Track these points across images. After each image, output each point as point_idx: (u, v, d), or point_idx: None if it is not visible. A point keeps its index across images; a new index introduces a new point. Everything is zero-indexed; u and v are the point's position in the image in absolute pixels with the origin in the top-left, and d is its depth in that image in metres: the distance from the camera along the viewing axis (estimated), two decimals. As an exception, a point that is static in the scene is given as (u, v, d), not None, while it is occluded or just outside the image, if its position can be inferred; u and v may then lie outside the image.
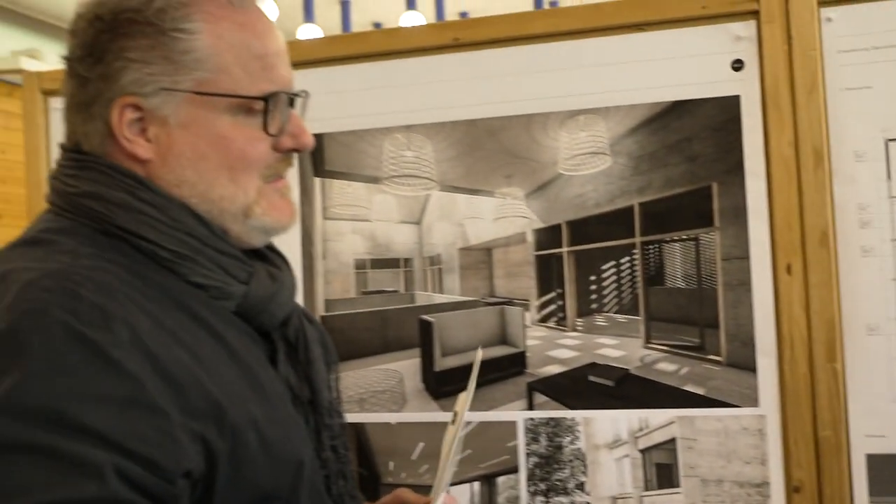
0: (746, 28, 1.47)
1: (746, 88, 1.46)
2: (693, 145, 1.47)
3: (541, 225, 1.55)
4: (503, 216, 1.57)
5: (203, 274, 0.91)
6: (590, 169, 1.53)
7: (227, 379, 0.85)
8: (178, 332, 0.83)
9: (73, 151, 0.95)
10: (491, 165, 1.57)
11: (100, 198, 0.90)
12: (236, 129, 0.94)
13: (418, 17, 5.95)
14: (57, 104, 1.81)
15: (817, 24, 1.45)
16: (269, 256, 1.03)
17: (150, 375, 0.77)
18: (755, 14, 1.46)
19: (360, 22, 6.66)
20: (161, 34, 0.91)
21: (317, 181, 1.64)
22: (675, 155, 1.48)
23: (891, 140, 1.43)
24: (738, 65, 1.47)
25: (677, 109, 1.48)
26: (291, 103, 0.98)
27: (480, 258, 1.59)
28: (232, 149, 0.94)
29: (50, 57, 5.12)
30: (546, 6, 6.53)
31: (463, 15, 6.92)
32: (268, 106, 0.94)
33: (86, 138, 0.94)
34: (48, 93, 1.81)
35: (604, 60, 1.53)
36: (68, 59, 0.96)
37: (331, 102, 1.64)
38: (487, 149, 1.57)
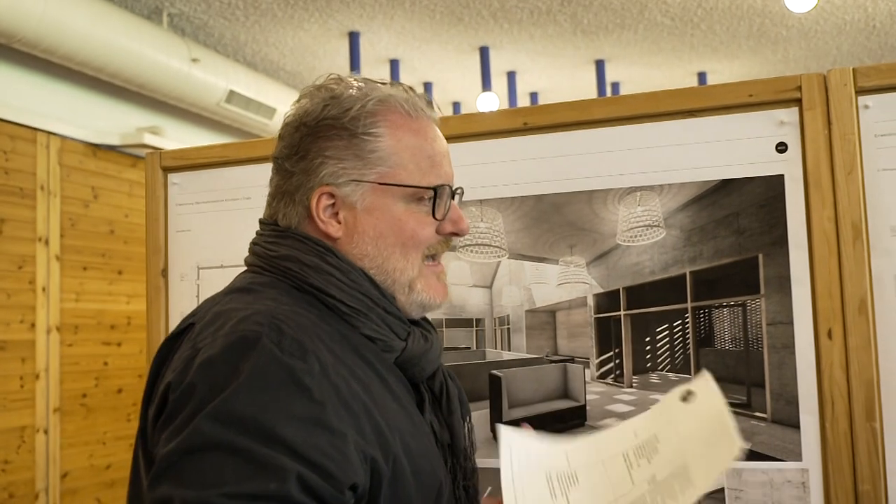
0: (789, 114, 1.59)
1: (790, 168, 1.58)
2: (740, 220, 1.59)
3: (600, 290, 1.68)
4: (566, 282, 1.70)
5: (373, 328, 1.09)
6: (645, 240, 1.65)
7: (390, 413, 1.02)
8: (354, 369, 1.01)
9: (273, 225, 1.16)
10: (556, 236, 1.71)
11: (296, 260, 1.10)
12: (409, 214, 1.13)
13: (493, 98, 6.17)
14: (175, 179, 2.03)
15: (855, 111, 1.55)
16: (422, 323, 1.21)
17: (332, 401, 0.93)
18: (798, 102, 1.58)
19: (441, 100, 6.94)
20: (353, 137, 1.12)
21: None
22: (724, 228, 1.60)
23: None
24: (781, 147, 1.59)
25: (726, 187, 1.60)
26: (453, 195, 1.18)
27: (545, 319, 1.72)
28: (405, 229, 1.13)
29: (169, 132, 5.47)
30: (608, 87, 6.70)
31: (533, 95, 7.13)
32: (435, 196, 1.14)
33: (284, 218, 1.15)
34: (167, 169, 2.03)
35: (659, 143, 1.66)
36: (276, 158, 1.18)
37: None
38: (553, 221, 1.71)
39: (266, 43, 5.99)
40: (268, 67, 6.45)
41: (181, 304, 1.99)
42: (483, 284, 1.76)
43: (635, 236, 1.66)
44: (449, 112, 7.40)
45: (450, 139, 1.85)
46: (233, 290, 1.09)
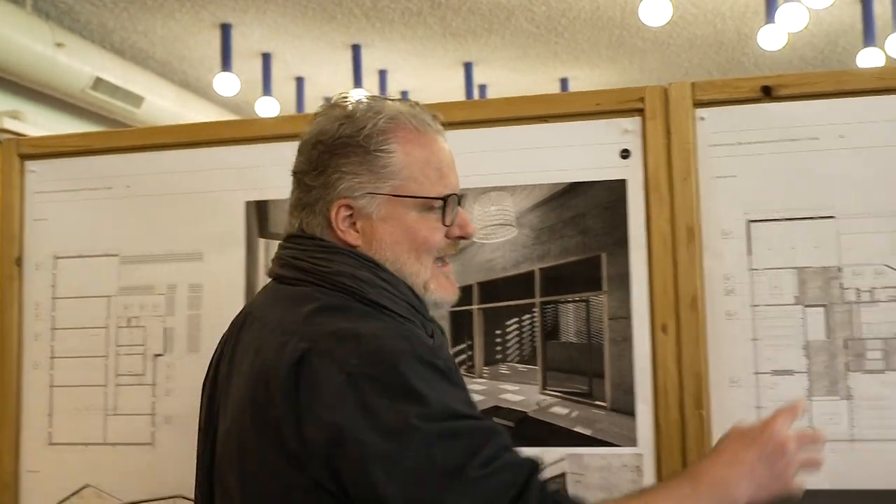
0: (633, 123, 1.66)
1: (632, 174, 1.64)
2: (586, 220, 1.65)
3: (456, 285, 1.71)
4: (423, 277, 1.73)
5: None
6: (499, 238, 1.70)
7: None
8: None
9: (306, 237, 1.23)
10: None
11: (351, 276, 1.17)
12: (421, 221, 1.22)
13: (364, 95, 6.17)
14: (33, 167, 1.94)
15: (692, 122, 1.64)
16: (434, 320, 1.30)
17: (464, 386, 1.16)
18: (640, 112, 1.65)
19: (313, 96, 6.87)
20: (367, 153, 1.20)
21: (261, 241, 1.79)
22: (571, 228, 1.66)
23: (752, 221, 1.61)
24: (625, 154, 1.66)
25: (574, 190, 1.66)
26: (459, 202, 1.27)
27: (402, 313, 1.74)
28: (418, 236, 1.22)
29: (32, 117, 5.20)
30: (476, 89, 6.81)
31: (404, 94, 7.18)
32: (445, 204, 1.22)
33: (308, 227, 1.23)
34: (25, 156, 1.94)
35: (515, 146, 1.70)
36: (295, 173, 1.26)
37: (277, 173, 1.80)
38: (412, 218, 1.73)
39: (135, 30, 5.80)
40: (136, 55, 6.23)
41: (36, 294, 1.91)
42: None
43: (489, 234, 1.70)
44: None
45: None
46: (326, 308, 1.14)
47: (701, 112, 1.65)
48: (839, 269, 1.55)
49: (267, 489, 1.09)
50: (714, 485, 1.13)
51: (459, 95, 6.77)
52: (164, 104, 6.35)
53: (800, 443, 1.17)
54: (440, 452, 1.00)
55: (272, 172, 1.79)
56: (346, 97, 1.27)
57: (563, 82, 6.96)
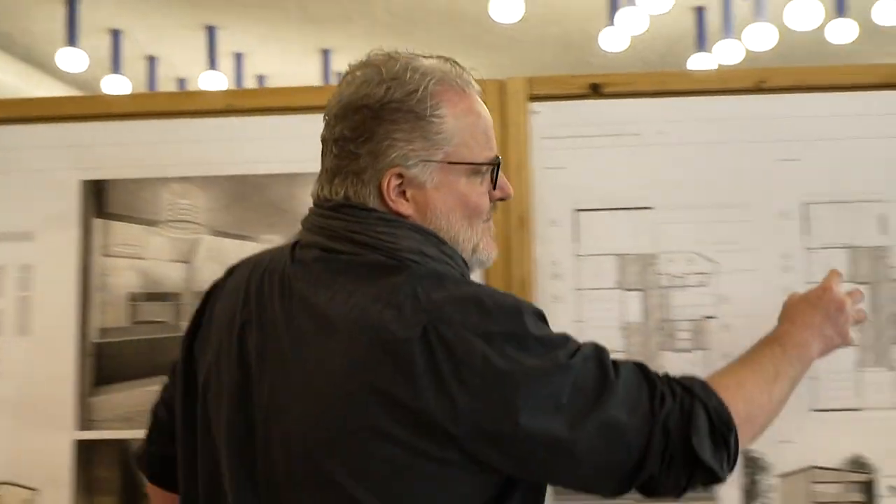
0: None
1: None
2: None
3: (298, 268, 1.72)
4: (265, 259, 1.73)
5: None
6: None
7: None
8: None
9: (360, 208, 1.16)
10: (257, 215, 1.73)
11: (419, 252, 1.14)
12: (471, 187, 1.20)
13: (218, 77, 6.04)
14: None
15: (526, 116, 1.71)
16: None
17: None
18: (478, 104, 1.72)
19: (166, 76, 6.67)
20: (420, 119, 1.15)
21: (97, 222, 1.75)
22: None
23: (578, 210, 1.69)
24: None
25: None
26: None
27: (243, 295, 1.73)
28: (469, 203, 1.20)
29: None
30: (333, 76, 6.79)
31: (261, 78, 7.08)
32: (495, 168, 1.22)
33: (356, 195, 1.16)
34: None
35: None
36: (336, 140, 1.18)
37: (116, 153, 1.76)
38: (254, 201, 1.73)
39: (-28, 0, 5.46)
40: (-27, 26, 5.88)
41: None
42: (182, 259, 1.75)
43: (331, 218, 1.71)
44: (173, 88, 7.13)
45: (168, 115, 1.83)
46: (423, 277, 1.10)
47: (534, 107, 1.72)
48: (655, 257, 1.66)
49: (396, 468, 1.05)
50: (797, 346, 1.31)
51: (317, 82, 6.73)
52: (5, 78, 6.02)
53: (853, 300, 1.39)
54: (590, 379, 1.07)
55: (112, 151, 1.75)
56: (379, 55, 1.20)
57: (421, 73, 7.00)
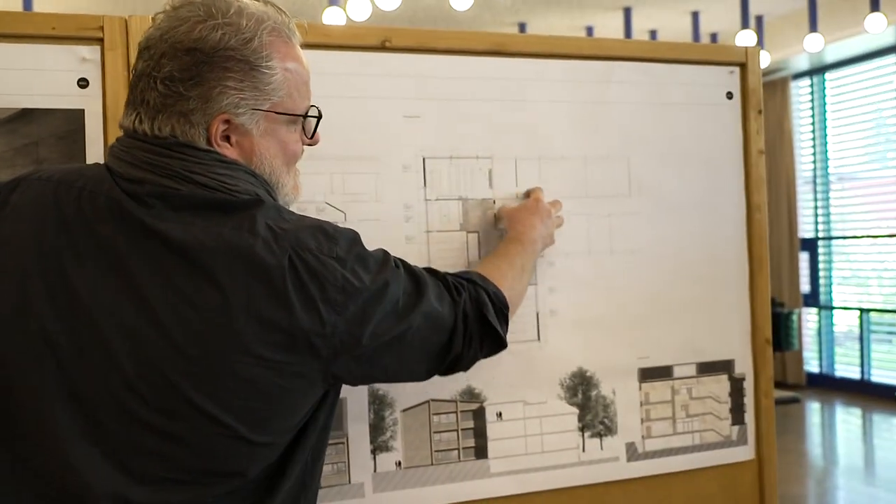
0: (91, 52, 1.60)
1: (90, 104, 1.60)
2: (39, 149, 1.56)
3: None
4: None
5: None
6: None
7: None
8: None
9: (197, 149, 1.19)
10: None
11: (255, 195, 1.21)
12: (289, 135, 1.28)
13: None
14: None
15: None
16: None
17: None
18: (100, 41, 1.60)
19: None
20: (253, 69, 1.20)
21: None
22: (23, 157, 1.55)
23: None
24: (83, 83, 1.60)
25: (26, 116, 1.56)
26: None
27: None
28: (288, 150, 1.29)
29: None
30: None
31: None
32: (315, 119, 1.32)
33: (184, 136, 1.19)
34: None
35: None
36: (164, 79, 1.18)
37: None
38: None
39: None
40: None
41: None
42: None
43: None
44: None
45: None
46: (270, 210, 1.20)
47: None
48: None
49: (260, 389, 1.14)
50: (531, 242, 1.66)
51: None
52: None
53: (555, 208, 1.79)
54: (410, 282, 1.29)
55: None
56: None
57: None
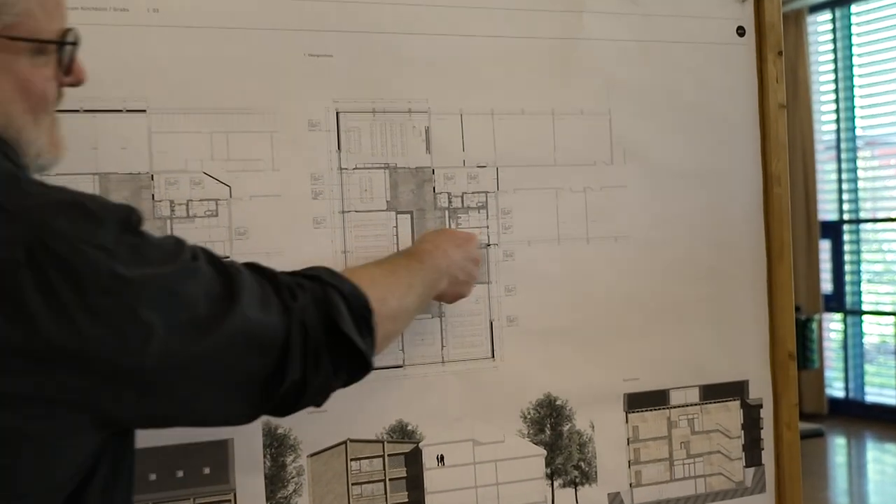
0: None
1: None
2: None
3: None
4: None
5: None
6: None
7: None
8: None
9: None
10: None
11: None
12: (35, 70, 1.19)
13: None
14: None
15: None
16: None
17: None
18: None
19: None
20: None
21: None
22: None
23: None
24: None
25: None
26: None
27: None
28: (34, 91, 1.19)
29: None
30: None
31: None
32: (66, 45, 1.22)
33: None
34: None
35: None
36: None
37: None
38: None
39: None
40: None
41: None
42: None
43: None
44: None
45: None
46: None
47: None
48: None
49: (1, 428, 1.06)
50: (434, 269, 1.61)
51: None
52: None
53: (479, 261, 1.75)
54: (216, 283, 1.18)
55: None
56: None
57: None
